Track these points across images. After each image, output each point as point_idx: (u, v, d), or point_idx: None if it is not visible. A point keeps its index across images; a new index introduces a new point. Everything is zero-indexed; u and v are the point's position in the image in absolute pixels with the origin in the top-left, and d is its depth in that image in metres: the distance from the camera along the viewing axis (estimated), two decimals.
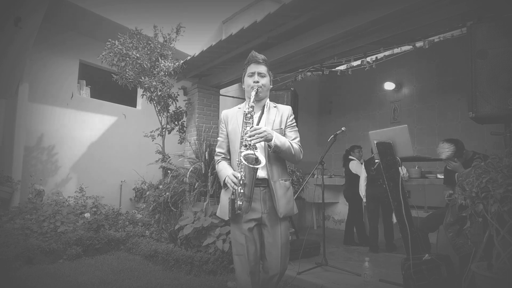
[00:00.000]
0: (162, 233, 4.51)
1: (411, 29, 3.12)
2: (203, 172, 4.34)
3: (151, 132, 5.11)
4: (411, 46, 3.73)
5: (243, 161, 1.63)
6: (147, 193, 4.97)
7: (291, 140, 1.90)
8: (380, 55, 4.16)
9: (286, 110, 2.00)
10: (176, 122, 5.24)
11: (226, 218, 1.80)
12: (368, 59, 4.20)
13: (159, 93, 4.64)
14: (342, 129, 3.79)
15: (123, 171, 6.06)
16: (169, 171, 4.74)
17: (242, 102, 2.09)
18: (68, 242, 4.01)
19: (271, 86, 2.04)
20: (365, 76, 5.51)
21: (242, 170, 1.66)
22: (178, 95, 5.12)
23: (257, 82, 1.90)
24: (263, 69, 1.94)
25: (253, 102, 1.81)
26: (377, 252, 4.54)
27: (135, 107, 6.61)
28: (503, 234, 1.63)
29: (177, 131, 5.27)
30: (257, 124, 1.87)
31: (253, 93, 1.85)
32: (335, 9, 2.99)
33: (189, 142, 5.02)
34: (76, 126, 5.64)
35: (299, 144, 1.93)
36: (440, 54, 5.58)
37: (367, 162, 4.79)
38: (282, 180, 1.89)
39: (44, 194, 4.89)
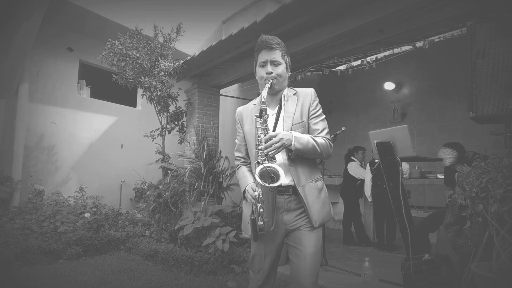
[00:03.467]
0: (162, 233, 4.51)
1: (411, 29, 3.12)
2: (203, 172, 4.34)
3: (151, 132, 5.11)
4: (411, 46, 3.73)
5: (258, 180, 1.39)
6: (147, 193, 4.97)
7: (317, 133, 1.61)
8: (380, 55, 4.17)
9: (307, 95, 1.66)
10: (176, 122, 5.24)
11: (249, 235, 1.58)
12: (368, 59, 4.21)
13: (159, 93, 4.64)
14: (342, 129, 3.79)
15: (123, 171, 6.06)
16: (169, 171, 4.74)
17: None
18: (68, 242, 4.01)
19: (289, 73, 1.71)
20: (365, 76, 5.51)
21: (259, 188, 1.43)
22: (178, 95, 5.12)
23: (271, 73, 1.59)
24: (277, 55, 1.60)
25: (264, 100, 1.50)
26: (383, 249, 4.61)
27: (135, 107, 6.61)
28: (503, 234, 1.63)
29: (177, 131, 5.27)
30: (275, 122, 1.62)
31: (264, 91, 1.53)
32: (335, 9, 3.00)
33: (189, 142, 5.02)
34: (76, 126, 5.64)
35: (327, 137, 1.62)
36: (440, 54, 5.58)
37: (371, 162, 4.81)
38: (311, 181, 1.59)
39: (44, 194, 4.89)
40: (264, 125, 1.49)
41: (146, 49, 4.62)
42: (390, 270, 3.54)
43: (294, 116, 1.61)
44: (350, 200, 5.18)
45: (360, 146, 5.43)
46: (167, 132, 5.16)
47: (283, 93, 1.67)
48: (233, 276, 3.42)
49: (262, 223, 1.44)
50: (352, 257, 4.28)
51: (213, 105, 5.26)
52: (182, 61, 4.63)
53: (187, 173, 4.31)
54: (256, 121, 1.51)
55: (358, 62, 4.30)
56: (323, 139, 1.59)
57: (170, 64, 4.59)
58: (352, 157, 5.24)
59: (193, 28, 5.51)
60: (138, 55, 4.50)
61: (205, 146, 4.57)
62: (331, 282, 3.14)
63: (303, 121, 1.62)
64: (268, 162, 1.44)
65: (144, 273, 3.53)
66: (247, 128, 1.70)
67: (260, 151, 1.46)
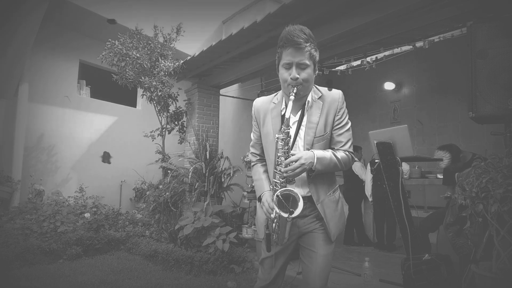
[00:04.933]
0: (162, 233, 4.51)
1: (411, 29, 3.13)
2: (204, 172, 4.34)
3: (151, 132, 5.11)
4: (411, 46, 3.73)
5: (276, 209, 1.33)
6: (147, 193, 4.97)
7: (340, 146, 1.50)
8: (380, 55, 4.17)
9: (334, 102, 1.51)
10: (176, 122, 5.24)
11: (261, 238, 1.55)
12: (368, 59, 4.21)
13: (159, 93, 4.64)
14: None
15: (123, 171, 6.06)
16: (169, 171, 4.74)
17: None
18: (68, 242, 4.00)
19: (316, 73, 1.51)
20: (365, 76, 5.50)
21: (275, 213, 1.37)
22: (178, 95, 5.12)
23: (296, 78, 1.40)
24: (305, 56, 1.39)
25: (288, 122, 1.36)
26: (383, 249, 4.62)
27: (135, 107, 6.61)
28: (503, 234, 1.63)
29: (177, 131, 5.27)
30: (296, 132, 1.49)
31: (289, 108, 1.37)
32: (335, 9, 3.00)
33: (189, 142, 5.02)
34: (76, 126, 5.64)
35: (350, 150, 1.52)
36: (440, 54, 5.58)
37: (372, 162, 4.81)
38: (330, 194, 1.53)
39: (44, 194, 4.89)
40: (286, 147, 1.37)
41: (146, 49, 4.62)
42: (390, 270, 3.54)
43: (317, 127, 1.48)
44: (356, 201, 5.16)
45: (357, 145, 5.41)
46: (167, 132, 5.16)
47: (307, 99, 1.50)
48: (233, 276, 3.42)
49: (276, 238, 1.44)
50: (352, 257, 4.28)
51: (213, 105, 5.26)
52: (182, 61, 4.63)
53: (190, 173, 4.31)
54: (277, 142, 1.38)
55: (358, 62, 4.31)
56: (345, 154, 1.50)
57: (170, 64, 4.59)
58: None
59: (193, 28, 5.51)
60: (138, 55, 4.50)
61: (207, 146, 4.58)
62: (331, 282, 3.13)
63: (327, 133, 1.49)
64: (287, 184, 1.38)
65: (144, 273, 3.53)
66: (265, 131, 1.57)
67: (279, 172, 1.38)
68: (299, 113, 1.51)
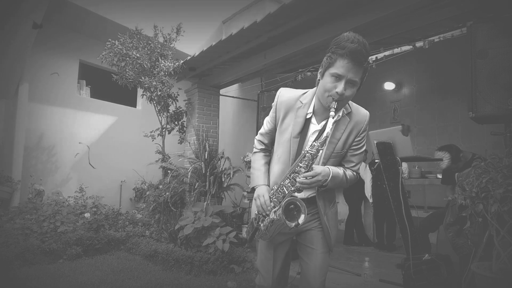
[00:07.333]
0: (162, 233, 4.51)
1: (411, 29, 3.12)
2: (203, 172, 4.34)
3: (151, 132, 5.11)
4: (411, 46, 3.73)
5: (282, 216, 1.33)
6: (147, 193, 4.97)
7: (350, 166, 1.53)
8: (380, 55, 4.16)
9: (359, 123, 1.51)
10: (176, 122, 5.24)
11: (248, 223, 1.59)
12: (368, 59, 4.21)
13: (159, 93, 4.64)
14: None
15: (123, 171, 6.06)
16: (169, 171, 4.74)
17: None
18: (68, 242, 4.00)
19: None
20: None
21: (277, 215, 1.37)
22: (178, 95, 5.12)
23: (342, 94, 1.33)
24: (359, 74, 1.34)
25: (322, 147, 1.34)
26: (383, 249, 4.62)
27: (135, 107, 6.60)
28: (503, 234, 1.63)
29: (177, 131, 5.28)
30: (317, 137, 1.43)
31: (328, 126, 1.31)
32: (335, 9, 3.00)
33: (189, 142, 5.02)
34: (76, 126, 5.64)
35: (357, 171, 1.57)
36: (440, 54, 5.58)
37: (371, 163, 4.82)
38: (332, 206, 1.58)
39: (44, 194, 4.88)
40: (310, 162, 1.35)
41: (146, 49, 4.62)
42: (390, 270, 3.54)
43: (337, 144, 1.47)
44: (356, 201, 5.17)
45: None
46: (167, 132, 5.16)
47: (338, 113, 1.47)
48: (233, 276, 3.42)
49: (263, 233, 1.46)
50: (352, 257, 4.28)
51: (213, 105, 5.26)
52: (182, 61, 4.63)
53: (189, 173, 4.31)
54: (305, 154, 1.36)
55: None
56: (354, 174, 1.54)
57: (170, 64, 4.59)
58: None
59: (193, 28, 5.51)
60: (138, 55, 4.50)
61: (206, 146, 4.58)
62: (331, 282, 3.14)
63: (344, 151, 1.50)
64: (294, 191, 1.40)
65: (144, 273, 3.53)
66: (282, 129, 1.53)
67: (292, 180, 1.39)
68: (323, 123, 1.47)
